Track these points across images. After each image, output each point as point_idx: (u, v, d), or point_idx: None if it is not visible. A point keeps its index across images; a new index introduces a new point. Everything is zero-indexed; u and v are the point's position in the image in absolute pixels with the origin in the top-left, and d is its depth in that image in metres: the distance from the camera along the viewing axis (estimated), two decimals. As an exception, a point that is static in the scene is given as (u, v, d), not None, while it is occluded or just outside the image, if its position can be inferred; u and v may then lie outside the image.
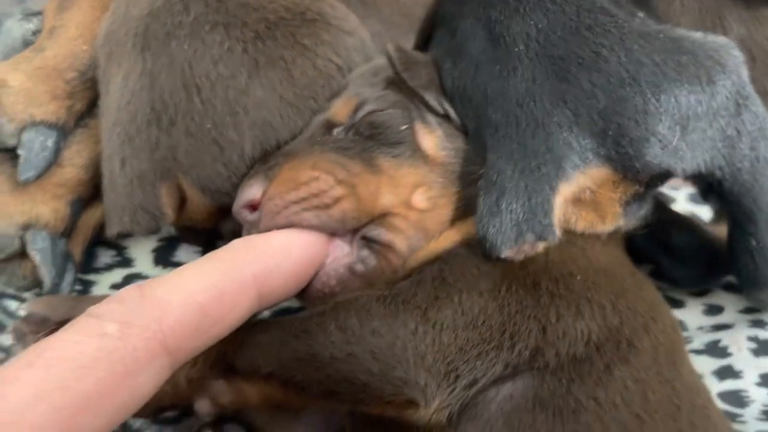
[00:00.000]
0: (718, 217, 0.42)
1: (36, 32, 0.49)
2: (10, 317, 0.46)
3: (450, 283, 0.33)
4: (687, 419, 0.31)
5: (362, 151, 0.39)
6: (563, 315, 0.32)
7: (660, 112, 0.34)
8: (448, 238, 0.37)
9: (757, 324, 0.45)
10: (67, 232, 0.46)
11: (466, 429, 0.32)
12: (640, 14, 0.39)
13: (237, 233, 0.38)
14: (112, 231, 0.43)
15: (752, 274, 0.40)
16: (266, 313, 0.40)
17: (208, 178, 0.41)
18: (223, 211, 0.42)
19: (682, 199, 0.51)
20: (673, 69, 0.35)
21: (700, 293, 0.47)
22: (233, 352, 0.34)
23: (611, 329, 0.33)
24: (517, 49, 0.37)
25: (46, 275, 0.44)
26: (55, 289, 0.45)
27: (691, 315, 0.46)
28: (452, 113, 0.41)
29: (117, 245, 0.50)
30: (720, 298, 0.47)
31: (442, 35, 0.43)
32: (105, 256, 0.50)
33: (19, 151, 0.45)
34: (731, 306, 0.46)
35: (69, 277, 0.46)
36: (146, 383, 0.28)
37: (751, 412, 0.42)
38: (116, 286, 0.48)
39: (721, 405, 0.42)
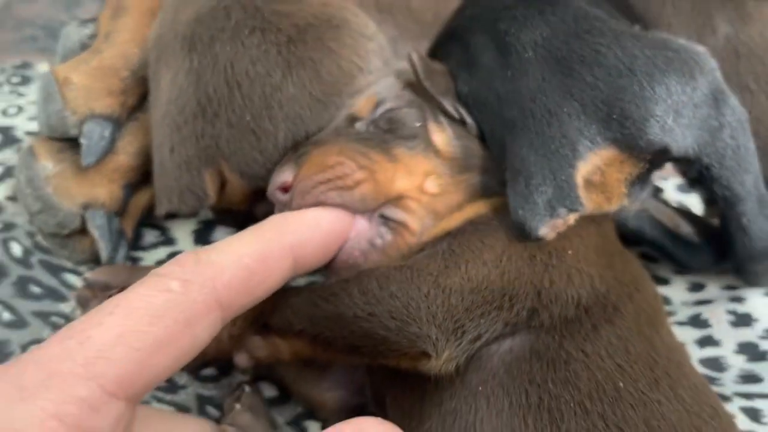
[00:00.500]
0: (708, 206, 0.46)
1: (92, 37, 0.53)
2: (68, 289, 0.49)
3: (458, 254, 0.36)
4: (663, 370, 0.34)
5: (381, 142, 0.42)
6: (555, 282, 0.36)
7: (655, 97, 0.37)
8: (456, 219, 0.41)
9: (736, 300, 0.48)
10: (120, 212, 0.49)
11: (471, 378, 0.35)
12: (636, 27, 0.42)
13: (269, 214, 0.41)
14: (161, 210, 0.46)
15: (748, 249, 0.43)
16: (300, 281, 0.43)
17: (246, 164, 0.43)
18: (258, 193, 0.45)
19: (670, 189, 0.54)
20: (662, 62, 0.38)
21: (683, 272, 0.50)
22: (269, 312, 0.38)
23: (598, 295, 0.36)
24: (526, 55, 0.40)
25: (104, 249, 0.47)
26: (110, 262, 0.48)
27: (676, 291, 0.50)
28: (467, 118, 0.44)
29: (161, 226, 0.54)
30: (702, 276, 0.50)
31: (455, 48, 0.46)
32: (150, 236, 0.53)
33: (81, 140, 0.48)
34: (712, 284, 0.49)
35: (122, 251, 0.49)
36: (203, 333, 0.31)
37: (728, 376, 0.45)
38: (160, 262, 0.51)
39: (702, 369, 0.45)
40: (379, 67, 0.46)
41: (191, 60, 0.44)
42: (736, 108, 0.40)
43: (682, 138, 0.38)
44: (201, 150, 0.44)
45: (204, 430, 0.37)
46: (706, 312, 0.48)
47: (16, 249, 0.51)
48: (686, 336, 0.46)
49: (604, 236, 0.41)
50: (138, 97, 0.51)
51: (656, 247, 0.48)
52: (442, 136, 0.43)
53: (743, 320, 0.47)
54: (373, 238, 0.40)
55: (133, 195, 0.51)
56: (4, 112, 0.60)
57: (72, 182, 0.48)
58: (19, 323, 0.47)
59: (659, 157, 0.39)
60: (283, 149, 0.44)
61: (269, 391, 0.45)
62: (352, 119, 0.44)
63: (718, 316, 0.47)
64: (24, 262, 0.50)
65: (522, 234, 0.37)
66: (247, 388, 0.42)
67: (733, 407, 0.42)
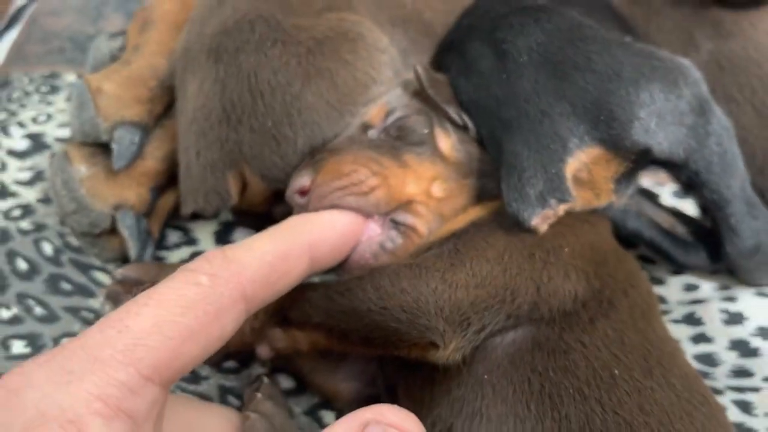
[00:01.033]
0: (702, 210, 0.48)
1: (121, 49, 0.55)
2: (97, 285, 0.51)
3: (463, 253, 0.38)
4: (656, 360, 0.36)
5: (392, 149, 0.44)
6: (553, 277, 0.38)
7: (639, 101, 0.39)
8: (460, 220, 0.43)
9: (728, 299, 0.49)
10: (148, 213, 0.52)
11: (477, 367, 0.37)
12: (627, 38, 0.44)
13: (287, 216, 0.42)
14: (187, 210, 0.48)
15: (738, 247, 0.45)
16: (315, 279, 0.45)
17: (266, 168, 0.45)
18: (277, 196, 0.47)
19: (666, 195, 0.56)
20: (647, 70, 0.40)
21: (678, 273, 0.52)
22: (288, 306, 0.40)
23: (594, 291, 0.39)
24: (522, 60, 0.43)
25: (133, 248, 0.49)
26: (138, 260, 0.50)
27: (672, 291, 0.51)
28: (470, 124, 0.46)
29: (184, 227, 0.56)
30: (697, 277, 0.51)
31: (453, 58, 0.48)
32: (174, 236, 0.55)
33: (112, 146, 0.50)
34: (706, 284, 0.51)
35: (149, 250, 0.51)
36: (229, 323, 0.33)
37: (721, 371, 0.46)
38: (184, 261, 0.52)
39: (696, 365, 0.47)
40: (390, 77, 0.48)
41: (217, 70, 0.46)
42: (721, 117, 0.42)
43: (665, 141, 0.40)
44: (225, 154, 0.46)
45: (227, 417, 0.39)
46: (699, 310, 0.49)
47: (47, 248, 0.53)
48: (681, 333, 0.48)
49: (599, 235, 0.43)
50: (164, 105, 0.53)
51: (653, 247, 0.50)
52: (447, 141, 0.45)
53: (735, 318, 0.48)
54: (384, 241, 0.42)
55: (159, 197, 0.53)
56: (35, 120, 0.62)
57: (104, 185, 0.50)
58: (50, 318, 0.49)
59: (643, 157, 0.41)
60: (302, 154, 0.46)
61: (286, 382, 0.47)
62: (365, 127, 0.46)
63: (711, 314, 0.49)
64: (55, 260, 0.52)
65: (515, 223, 0.39)
66: (265, 380, 0.44)
67: (726, 400, 0.44)
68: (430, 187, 0.44)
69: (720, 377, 0.46)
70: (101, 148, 0.52)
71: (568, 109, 0.40)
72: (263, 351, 0.42)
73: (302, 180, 0.43)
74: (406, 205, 0.43)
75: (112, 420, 0.28)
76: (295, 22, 0.47)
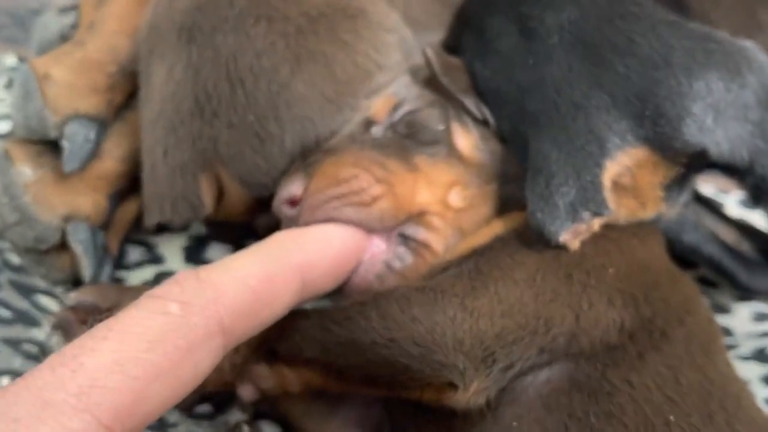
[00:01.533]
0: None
1: (73, 26, 0.55)
2: (42, 312, 0.52)
3: (485, 274, 0.39)
4: (718, 403, 0.37)
5: (400, 149, 0.45)
6: (595, 304, 0.38)
7: (693, 93, 0.40)
8: (484, 235, 0.43)
9: (807, 331, 0.50)
10: (105, 225, 0.52)
11: (504, 412, 0.37)
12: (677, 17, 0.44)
13: (272, 229, 0.43)
14: (151, 221, 0.48)
15: None
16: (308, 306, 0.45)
17: (247, 171, 0.46)
18: (260, 204, 0.47)
19: (732, 204, 0.57)
20: (702, 55, 0.41)
21: (745, 299, 0.52)
22: (276, 337, 0.40)
23: (643, 320, 0.39)
24: (551, 41, 0.43)
25: (87, 267, 0.50)
26: (94, 282, 0.50)
27: (739, 321, 0.52)
28: (490, 118, 0.46)
29: (146, 242, 0.56)
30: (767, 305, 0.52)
31: (469, 37, 0.49)
32: (135, 253, 0.56)
33: (63, 144, 0.50)
34: (779, 313, 0.51)
35: (107, 270, 0.52)
36: (205, 360, 0.33)
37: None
38: (147, 283, 0.54)
39: None
40: (399, 63, 0.49)
41: (189, 52, 0.47)
42: None
43: (724, 141, 0.40)
44: (198, 153, 0.46)
45: None
46: (772, 344, 0.50)
47: (-18, 267, 0.53)
48: (750, 372, 0.49)
49: (650, 252, 0.43)
50: (126, 94, 0.54)
51: (715, 267, 0.51)
52: (467, 139, 0.46)
53: (815, 354, 0.49)
54: (391, 260, 0.43)
55: (119, 206, 0.54)
56: (-34, 111, 0.62)
57: (52, 191, 0.50)
58: (-14, 351, 0.49)
59: (697, 159, 0.41)
60: (290, 155, 0.46)
61: (271, 430, 0.47)
62: (368, 123, 0.47)
63: (785, 349, 0.49)
64: (-9, 281, 0.53)
65: (540, 239, 0.40)
66: (246, 429, 0.45)
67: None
68: (446, 195, 0.44)
69: (796, 424, 0.47)
70: (50, 146, 0.52)
71: (607, 101, 0.41)
72: (245, 392, 0.42)
73: (292, 187, 0.44)
74: (418, 217, 0.43)
75: None
76: (283, -5, 0.48)
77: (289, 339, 0.40)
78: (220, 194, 0.48)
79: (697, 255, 0.50)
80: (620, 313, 0.39)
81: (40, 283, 0.54)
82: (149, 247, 0.56)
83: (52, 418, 0.28)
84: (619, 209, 0.42)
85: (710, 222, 0.51)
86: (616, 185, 0.41)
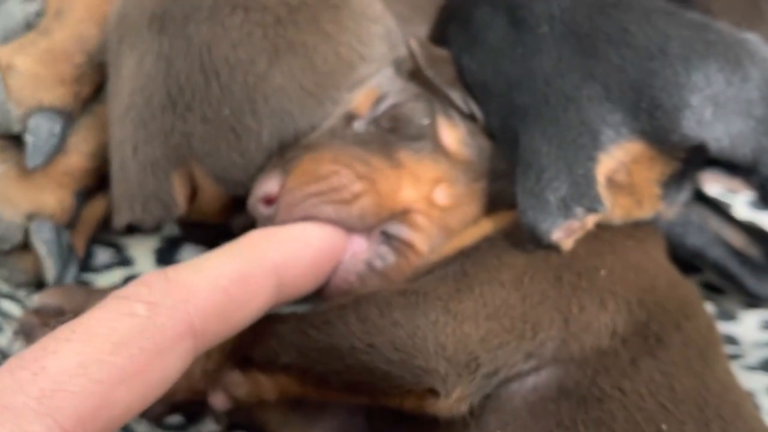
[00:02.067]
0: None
1: (39, 14, 0.56)
2: (4, 317, 0.52)
3: (471, 275, 0.40)
4: (714, 411, 0.38)
5: (383, 144, 0.46)
6: (586, 307, 0.40)
7: (691, 84, 0.41)
8: (470, 235, 0.44)
9: (817, 340, 0.51)
10: (71, 224, 0.53)
11: (489, 420, 0.38)
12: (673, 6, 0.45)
13: (248, 229, 0.43)
14: (120, 221, 0.49)
15: None
16: (284, 309, 0.45)
17: (222, 167, 0.47)
18: (236, 203, 0.48)
19: (740, 205, 0.57)
20: (701, 45, 0.42)
21: (753, 306, 0.53)
22: (251, 342, 0.41)
23: (638, 324, 0.40)
24: (541, 31, 0.44)
25: (51, 268, 0.50)
26: (58, 284, 0.51)
27: (745, 329, 0.53)
28: (477, 113, 0.47)
29: (115, 244, 0.57)
30: (775, 312, 0.53)
31: (456, 28, 0.50)
32: (103, 255, 0.57)
33: (27, 138, 0.51)
34: (787, 321, 0.52)
35: (72, 272, 0.52)
36: (174, 364, 0.33)
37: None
38: (116, 287, 0.52)
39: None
40: (384, 55, 0.50)
41: (161, 43, 0.48)
42: None
43: (725, 136, 0.41)
44: (170, 149, 0.47)
45: None
46: (779, 354, 0.51)
47: (-62, 269, 0.54)
48: (757, 383, 0.50)
49: (646, 254, 0.44)
50: (94, 86, 0.55)
51: (720, 272, 0.52)
52: (453, 134, 0.47)
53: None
54: (373, 259, 0.44)
55: (85, 204, 0.54)
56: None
57: (15, 187, 0.51)
58: (-57, 358, 0.50)
59: (696, 155, 0.42)
60: (268, 151, 0.47)
61: (246, 442, 0.48)
62: (350, 117, 0.48)
63: (793, 359, 0.50)
64: (-51, 285, 0.53)
65: (531, 239, 0.41)
66: (219, 440, 0.45)
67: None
68: (431, 192, 0.45)
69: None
70: (12, 140, 0.53)
71: (600, 93, 0.42)
72: (218, 401, 0.43)
73: (268, 185, 0.45)
74: (401, 215, 0.44)
75: None
76: (261, -18, 0.49)
77: (265, 344, 0.41)
78: (193, 193, 0.49)
79: (702, 259, 0.51)
80: (612, 317, 0.40)
81: (2, 287, 0.54)
82: (118, 249, 0.57)
83: (12, 422, 0.29)
84: (615, 208, 0.43)
85: (716, 224, 0.52)
86: (611, 183, 0.42)
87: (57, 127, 0.52)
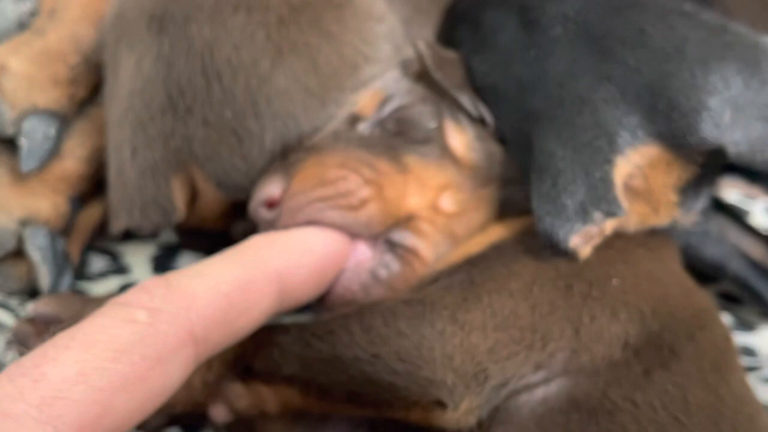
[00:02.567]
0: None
1: (32, 13, 0.57)
2: None
3: (479, 284, 0.41)
4: (729, 424, 0.39)
5: (389, 148, 0.47)
6: (597, 317, 0.41)
7: (709, 87, 0.41)
8: (477, 243, 0.45)
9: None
10: (66, 231, 0.54)
11: None
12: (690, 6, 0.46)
13: (248, 235, 0.44)
14: (118, 226, 0.50)
15: None
16: (286, 318, 0.47)
17: (224, 172, 0.48)
18: (237, 210, 0.49)
19: (759, 213, 0.59)
20: (718, 47, 0.43)
21: None
22: (252, 352, 0.42)
23: (650, 335, 0.41)
24: (554, 32, 0.45)
25: (46, 275, 0.51)
26: (52, 292, 0.52)
27: (764, 340, 0.54)
28: (487, 116, 0.48)
29: (111, 251, 0.58)
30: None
31: (466, 29, 0.51)
32: (99, 262, 0.58)
33: (21, 141, 0.52)
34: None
35: (67, 280, 0.53)
36: (175, 371, 0.34)
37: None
38: (113, 295, 0.54)
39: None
40: (388, 55, 0.51)
41: (161, 43, 0.49)
42: None
43: (743, 140, 0.42)
44: (170, 153, 0.48)
45: None
46: (799, 367, 0.52)
47: (-71, 277, 0.55)
48: (776, 396, 0.50)
49: (660, 263, 0.45)
50: (90, 88, 0.56)
51: (739, 283, 0.53)
52: (461, 139, 0.48)
53: None
54: (377, 268, 0.45)
55: (81, 210, 0.55)
56: None
57: (8, 192, 0.52)
58: (-67, 369, 0.51)
59: (714, 159, 0.43)
60: (270, 154, 0.48)
61: (246, 456, 0.49)
62: (354, 119, 0.49)
63: (813, 372, 0.51)
64: (-62, 293, 0.54)
65: (548, 246, 0.41)
66: (219, 453, 0.46)
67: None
68: (437, 198, 0.46)
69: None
70: (5, 144, 0.54)
71: (615, 95, 0.43)
72: (218, 412, 0.44)
73: (270, 188, 0.46)
74: (406, 222, 0.45)
75: None
76: (263, -18, 0.50)
77: (267, 354, 0.42)
78: (193, 198, 0.50)
79: (720, 272, 0.52)
80: (624, 327, 0.41)
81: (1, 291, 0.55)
82: (114, 256, 0.58)
83: (12, 430, 0.30)
84: (630, 215, 0.43)
85: (735, 235, 0.53)
86: (627, 189, 0.43)
87: (52, 130, 0.53)
